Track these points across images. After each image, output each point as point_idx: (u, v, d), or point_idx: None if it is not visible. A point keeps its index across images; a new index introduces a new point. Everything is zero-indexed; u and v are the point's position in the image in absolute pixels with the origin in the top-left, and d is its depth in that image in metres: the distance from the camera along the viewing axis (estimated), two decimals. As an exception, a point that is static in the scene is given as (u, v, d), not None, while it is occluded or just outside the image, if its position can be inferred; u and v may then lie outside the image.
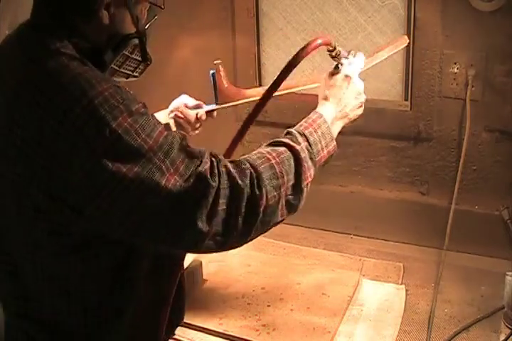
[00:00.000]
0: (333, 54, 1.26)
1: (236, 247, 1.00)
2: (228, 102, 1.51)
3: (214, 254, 1.65)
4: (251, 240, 1.02)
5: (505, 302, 1.42)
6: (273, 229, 2.03)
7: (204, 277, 1.60)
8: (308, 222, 1.94)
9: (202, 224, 0.89)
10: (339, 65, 1.28)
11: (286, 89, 1.42)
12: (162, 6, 1.08)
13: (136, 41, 1.03)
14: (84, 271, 0.95)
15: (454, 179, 1.67)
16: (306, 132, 1.06)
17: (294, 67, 1.08)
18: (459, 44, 1.62)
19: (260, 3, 1.82)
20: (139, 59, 1.07)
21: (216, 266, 1.68)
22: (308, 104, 1.85)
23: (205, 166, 0.91)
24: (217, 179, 0.91)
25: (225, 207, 0.91)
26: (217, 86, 1.51)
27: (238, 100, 1.51)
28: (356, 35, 1.73)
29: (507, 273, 1.41)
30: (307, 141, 1.05)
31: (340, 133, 1.83)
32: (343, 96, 1.20)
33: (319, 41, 1.12)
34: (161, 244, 0.95)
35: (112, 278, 0.97)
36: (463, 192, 1.68)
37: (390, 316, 1.47)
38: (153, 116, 0.95)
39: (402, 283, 1.61)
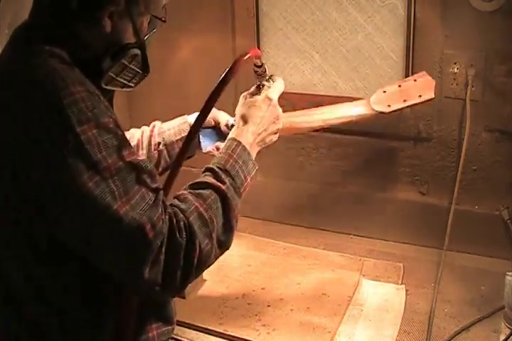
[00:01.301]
0: (259, 71, 1.23)
1: (170, 295, 1.00)
2: None
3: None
4: (188, 284, 0.99)
5: (505, 302, 1.42)
6: (273, 228, 2.04)
7: (204, 277, 1.60)
8: (308, 222, 1.94)
9: (144, 267, 0.88)
10: (261, 86, 1.25)
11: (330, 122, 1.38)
12: (164, 19, 1.08)
13: (135, 51, 1.03)
14: (55, 278, 0.97)
15: (454, 179, 1.67)
16: (228, 167, 1.05)
17: (226, 84, 1.07)
18: (459, 44, 1.61)
19: (260, 3, 1.82)
20: (137, 69, 1.06)
21: (216, 266, 1.67)
22: (312, 104, 1.86)
23: (158, 209, 0.91)
24: (165, 228, 0.91)
25: (164, 257, 0.90)
26: None
27: None
28: (356, 35, 1.73)
29: (507, 273, 1.41)
30: (230, 175, 1.04)
31: (340, 133, 1.85)
32: (263, 118, 1.17)
33: (249, 54, 1.10)
34: (105, 269, 0.94)
35: (81, 290, 0.98)
36: (463, 192, 1.68)
37: (390, 316, 1.47)
38: (122, 136, 0.94)
39: (402, 283, 1.61)
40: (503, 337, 1.37)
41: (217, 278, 1.62)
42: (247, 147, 1.11)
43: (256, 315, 1.46)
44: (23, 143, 0.89)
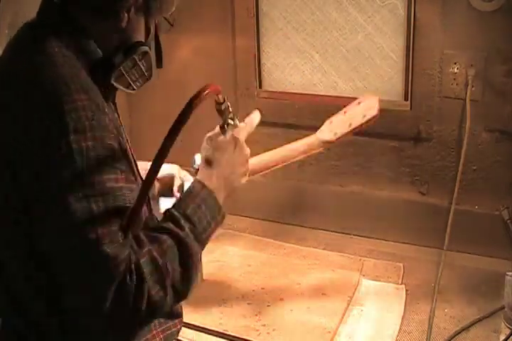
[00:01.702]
0: (222, 108, 1.17)
1: (116, 333, 0.92)
2: None
3: (214, 254, 1.66)
4: (132, 334, 0.96)
5: (505, 302, 1.42)
6: (273, 228, 2.04)
7: (204, 277, 1.60)
8: (308, 222, 1.94)
9: (100, 299, 0.85)
10: (225, 125, 1.18)
11: (287, 159, 1.38)
12: (172, 23, 1.09)
13: (146, 49, 1.03)
14: (55, 278, 0.94)
15: (454, 179, 1.67)
16: (189, 212, 0.99)
17: (184, 124, 1.00)
18: (459, 44, 1.62)
19: (260, 3, 1.82)
20: (143, 70, 1.06)
21: (216, 266, 1.68)
22: (312, 104, 1.87)
23: (127, 248, 0.87)
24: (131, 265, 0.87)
25: (113, 296, 0.86)
26: None
27: None
28: (356, 35, 1.73)
29: (507, 273, 1.41)
30: (190, 221, 0.98)
31: (340, 133, 1.85)
32: (229, 161, 1.11)
33: (208, 90, 1.02)
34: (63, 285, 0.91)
35: None
36: (463, 192, 1.68)
37: (390, 316, 1.47)
38: (121, 153, 0.92)
39: (402, 283, 1.61)
40: (503, 337, 1.37)
41: (217, 278, 1.62)
42: (213, 191, 1.04)
43: (256, 315, 1.46)
44: (22, 143, 0.88)
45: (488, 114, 1.63)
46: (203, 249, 1.00)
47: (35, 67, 0.90)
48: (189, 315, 1.47)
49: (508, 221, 1.66)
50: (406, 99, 1.72)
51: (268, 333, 1.40)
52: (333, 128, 1.34)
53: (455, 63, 1.63)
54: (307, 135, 1.87)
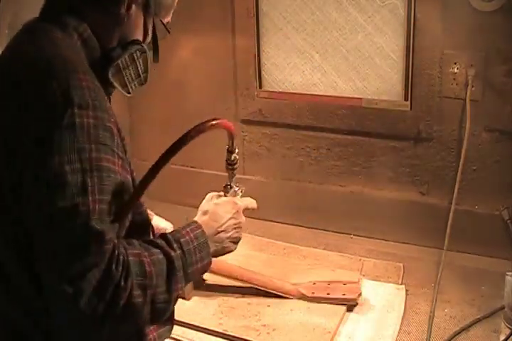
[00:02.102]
0: (230, 159, 1.26)
1: (86, 330, 0.87)
2: None
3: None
4: (102, 334, 0.88)
5: (505, 302, 1.42)
6: (273, 228, 2.04)
7: (204, 277, 1.60)
8: (308, 222, 1.94)
9: (75, 273, 0.83)
10: (229, 186, 1.27)
11: (258, 284, 1.52)
12: (169, 30, 1.12)
13: (144, 47, 1.05)
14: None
15: (454, 179, 1.67)
16: (182, 241, 1.00)
17: (184, 145, 1.03)
18: (459, 44, 1.61)
19: (260, 3, 1.82)
20: (140, 70, 1.07)
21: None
22: (312, 104, 1.87)
23: (115, 230, 0.88)
24: (109, 253, 0.85)
25: (94, 284, 0.84)
26: None
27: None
28: (356, 35, 1.73)
29: (507, 273, 1.41)
30: (182, 249, 0.98)
31: (340, 133, 1.86)
32: (224, 218, 1.13)
33: (227, 124, 1.13)
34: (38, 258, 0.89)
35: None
36: (463, 192, 1.68)
37: (390, 316, 1.47)
38: (118, 141, 0.93)
39: (402, 283, 1.61)
40: (503, 337, 1.37)
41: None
42: (207, 235, 1.05)
43: (256, 315, 1.46)
44: (26, 112, 0.89)
45: (488, 114, 1.63)
46: (185, 285, 0.99)
47: (40, 50, 0.93)
48: (189, 315, 1.47)
49: (508, 221, 1.66)
50: (406, 99, 1.72)
51: (268, 333, 1.40)
52: (314, 288, 1.50)
53: (455, 63, 1.63)
54: (307, 135, 1.89)
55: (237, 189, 1.29)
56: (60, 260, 0.85)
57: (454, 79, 1.65)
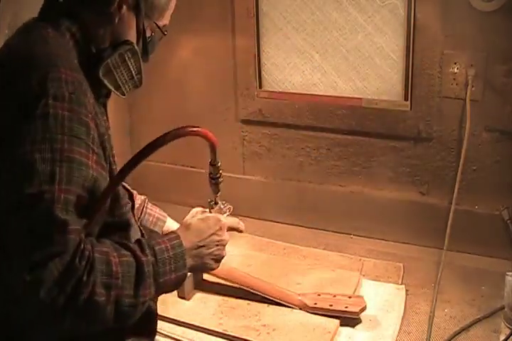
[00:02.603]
0: (213, 173, 1.24)
1: (46, 322, 0.86)
2: None
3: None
4: (63, 327, 0.87)
5: (505, 302, 1.42)
6: (273, 228, 2.05)
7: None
8: (308, 222, 1.94)
9: (36, 262, 0.82)
10: (213, 203, 1.27)
11: (265, 292, 1.51)
12: (165, 32, 1.12)
13: (136, 48, 1.06)
14: None
15: (454, 179, 1.67)
16: (157, 248, 0.99)
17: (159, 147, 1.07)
18: (459, 44, 1.62)
19: (260, 3, 1.82)
20: (133, 71, 1.08)
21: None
22: (312, 104, 1.87)
23: (81, 222, 0.88)
24: (72, 244, 0.85)
25: (56, 274, 0.83)
26: None
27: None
28: (356, 35, 1.73)
29: (507, 273, 1.41)
30: (155, 256, 0.97)
31: (340, 133, 1.86)
32: (205, 233, 1.12)
33: (208, 134, 1.15)
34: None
35: None
36: (463, 192, 1.68)
37: (390, 316, 1.47)
38: (94, 136, 0.93)
39: (402, 283, 1.61)
40: (503, 337, 1.37)
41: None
42: (184, 247, 1.04)
43: (256, 315, 1.46)
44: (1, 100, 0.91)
45: (488, 114, 1.63)
46: (155, 294, 0.97)
47: (29, 44, 0.96)
48: (189, 315, 1.47)
49: (508, 221, 1.66)
50: (406, 99, 1.72)
51: (268, 333, 1.40)
52: (317, 299, 1.47)
53: (455, 63, 1.63)
54: (307, 135, 1.89)
55: (223, 206, 1.29)
56: (22, 247, 0.84)
57: (454, 79, 1.65)
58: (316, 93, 1.84)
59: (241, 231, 1.29)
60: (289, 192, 1.96)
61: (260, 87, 1.91)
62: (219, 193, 1.28)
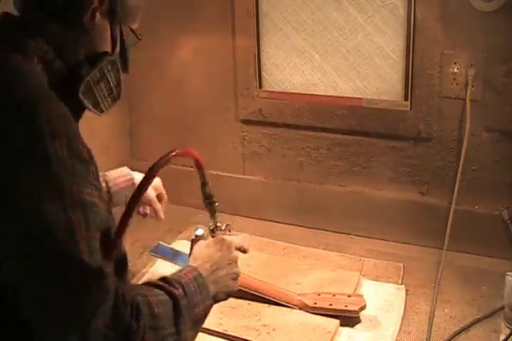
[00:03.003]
0: (213, 200, 1.24)
1: None
2: None
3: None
4: None
5: (505, 302, 1.42)
6: (273, 228, 2.05)
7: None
8: (308, 222, 1.94)
9: (91, 316, 0.76)
10: (215, 229, 1.27)
11: (259, 291, 1.51)
12: (140, 36, 1.03)
13: (114, 58, 0.98)
14: None
15: (454, 179, 1.67)
16: (183, 282, 0.97)
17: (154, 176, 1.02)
18: (459, 44, 1.62)
19: (260, 3, 1.82)
20: (112, 85, 0.99)
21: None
22: (312, 104, 1.87)
23: (110, 265, 0.81)
24: (112, 290, 0.79)
25: (103, 328, 0.77)
26: None
27: None
28: (356, 35, 1.73)
29: (507, 273, 1.41)
30: (184, 289, 0.95)
31: (340, 133, 1.85)
32: (213, 257, 1.12)
33: (192, 152, 1.12)
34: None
35: None
36: (463, 192, 1.68)
37: (390, 316, 1.47)
38: (94, 169, 0.86)
39: (402, 283, 1.61)
40: (503, 337, 1.37)
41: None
42: (203, 275, 1.04)
43: (256, 315, 1.46)
44: None
45: (488, 114, 1.63)
46: (188, 329, 0.93)
47: (5, 82, 0.83)
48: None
49: (508, 221, 1.66)
50: (406, 99, 1.72)
51: (268, 333, 1.40)
52: (317, 299, 1.47)
53: (455, 63, 1.63)
54: (307, 135, 1.89)
55: (223, 228, 1.29)
56: (61, 307, 0.77)
57: (454, 79, 1.65)
58: (316, 93, 1.84)
59: (245, 252, 1.27)
60: (289, 192, 1.96)
61: (260, 87, 1.91)
62: (216, 213, 1.27)
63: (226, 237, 1.20)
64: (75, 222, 0.77)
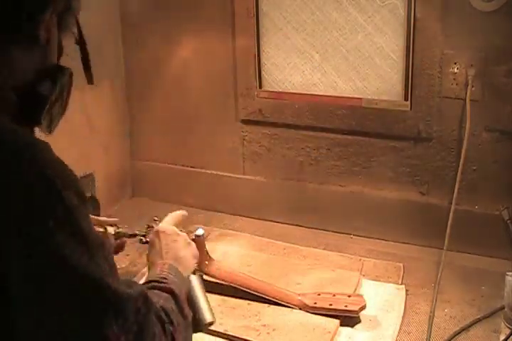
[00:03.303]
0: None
1: None
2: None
3: (214, 254, 1.66)
4: None
5: (505, 302, 1.42)
6: (273, 228, 2.05)
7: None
8: (308, 222, 1.94)
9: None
10: (149, 227, 1.33)
11: (265, 293, 1.51)
12: (86, 44, 0.93)
13: (70, 71, 0.87)
14: None
15: (454, 179, 1.67)
16: (164, 275, 1.06)
17: None
18: (459, 44, 1.62)
19: (260, 3, 1.82)
20: (65, 98, 0.89)
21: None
22: (312, 104, 1.86)
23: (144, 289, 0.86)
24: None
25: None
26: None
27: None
28: (356, 35, 1.73)
29: (507, 273, 1.41)
30: (170, 281, 1.04)
31: (340, 133, 1.85)
32: (163, 243, 1.19)
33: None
34: None
35: None
36: (463, 192, 1.68)
37: (390, 316, 1.47)
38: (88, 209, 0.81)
39: (402, 283, 1.61)
40: (503, 337, 1.37)
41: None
42: (160, 263, 1.12)
43: (256, 315, 1.46)
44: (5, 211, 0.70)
45: (488, 114, 1.63)
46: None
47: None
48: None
49: (508, 221, 1.66)
50: (406, 99, 1.72)
51: (268, 333, 1.40)
52: (317, 299, 1.48)
53: (455, 63, 1.63)
54: (307, 135, 1.89)
55: (154, 225, 1.33)
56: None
57: (454, 79, 1.65)
58: (316, 93, 1.84)
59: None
60: (289, 192, 1.96)
61: (260, 87, 1.91)
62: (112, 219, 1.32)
63: (160, 227, 1.24)
64: (103, 267, 0.76)
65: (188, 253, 1.21)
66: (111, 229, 1.32)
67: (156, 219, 1.34)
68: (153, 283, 1.01)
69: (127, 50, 2.06)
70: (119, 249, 1.36)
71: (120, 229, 1.36)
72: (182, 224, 1.31)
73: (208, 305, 1.23)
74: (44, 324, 0.71)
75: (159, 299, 0.94)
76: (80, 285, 0.72)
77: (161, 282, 1.02)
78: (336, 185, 1.90)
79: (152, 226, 1.34)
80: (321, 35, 1.77)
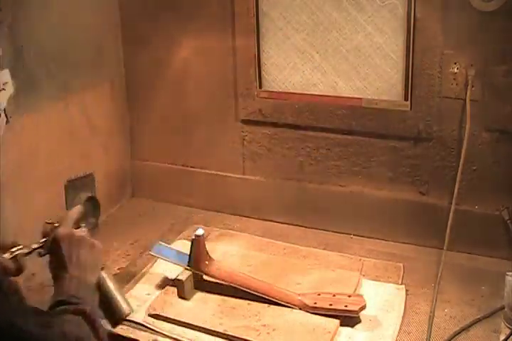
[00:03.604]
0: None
1: None
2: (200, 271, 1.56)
3: (214, 254, 1.66)
4: None
5: (505, 302, 1.42)
6: (273, 228, 2.05)
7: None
8: (308, 222, 1.94)
9: None
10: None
11: (265, 293, 1.51)
12: None
13: None
14: None
15: (454, 179, 1.67)
16: (73, 293, 1.05)
17: None
18: (459, 44, 1.61)
19: (260, 3, 1.82)
20: None
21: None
22: (312, 104, 1.87)
23: None
24: None
25: None
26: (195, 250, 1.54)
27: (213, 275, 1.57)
28: (356, 35, 1.73)
29: (507, 273, 1.41)
30: (80, 299, 1.03)
31: (340, 133, 1.86)
32: (70, 253, 1.14)
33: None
34: None
35: None
36: (463, 192, 1.68)
37: (390, 316, 1.47)
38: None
39: (402, 283, 1.61)
40: (503, 337, 1.37)
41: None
42: (67, 277, 1.09)
43: (256, 315, 1.47)
44: None
45: (488, 114, 1.63)
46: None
47: None
48: (189, 315, 1.47)
49: (508, 221, 1.66)
50: (406, 99, 1.72)
51: (268, 333, 1.40)
52: (317, 299, 1.48)
53: (455, 63, 1.63)
54: (307, 135, 1.89)
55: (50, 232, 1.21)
56: None
57: (454, 79, 1.65)
58: (316, 93, 1.84)
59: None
60: (289, 192, 1.96)
61: (260, 87, 1.91)
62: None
63: (58, 233, 1.16)
64: None
65: (93, 255, 1.16)
66: (7, 255, 1.15)
67: (48, 222, 1.22)
68: (63, 307, 1.00)
69: (127, 50, 2.06)
70: (19, 271, 1.20)
71: (17, 251, 1.18)
72: (81, 220, 1.23)
73: (122, 296, 1.19)
74: None
75: (74, 328, 0.94)
76: None
77: (71, 302, 1.01)
78: (336, 185, 1.90)
79: (47, 235, 1.20)
80: (321, 35, 1.77)
